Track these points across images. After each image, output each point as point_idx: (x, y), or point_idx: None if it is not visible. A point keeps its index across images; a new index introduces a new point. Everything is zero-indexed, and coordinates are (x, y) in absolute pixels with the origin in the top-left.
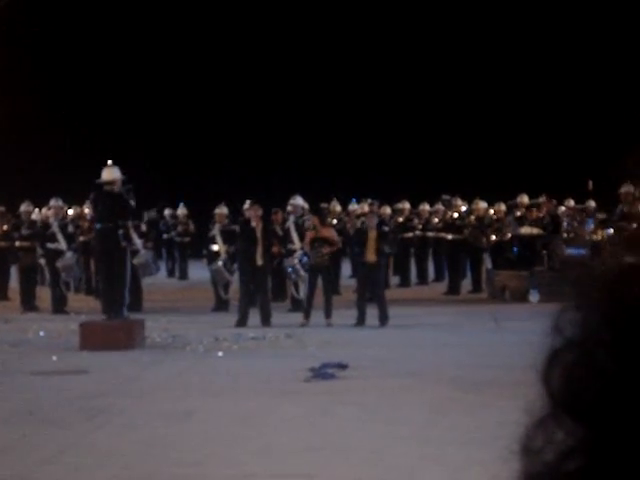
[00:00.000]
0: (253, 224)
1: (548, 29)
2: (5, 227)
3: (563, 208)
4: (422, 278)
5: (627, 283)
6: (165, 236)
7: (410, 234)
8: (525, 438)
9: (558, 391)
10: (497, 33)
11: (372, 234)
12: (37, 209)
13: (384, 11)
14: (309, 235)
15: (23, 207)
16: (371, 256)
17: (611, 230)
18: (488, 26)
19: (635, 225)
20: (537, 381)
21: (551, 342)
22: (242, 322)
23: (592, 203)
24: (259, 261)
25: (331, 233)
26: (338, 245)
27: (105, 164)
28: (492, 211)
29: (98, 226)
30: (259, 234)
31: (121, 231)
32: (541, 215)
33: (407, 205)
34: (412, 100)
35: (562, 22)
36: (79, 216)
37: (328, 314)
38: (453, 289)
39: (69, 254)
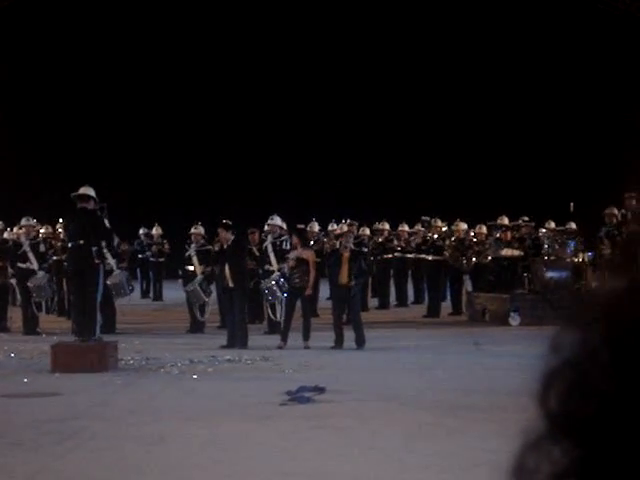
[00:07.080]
0: (224, 246)
1: (531, 54)
2: None
3: (544, 230)
4: (401, 300)
5: (625, 305)
6: (140, 256)
7: (389, 255)
8: (519, 457)
9: (555, 411)
10: (479, 59)
11: (346, 255)
12: (9, 229)
13: (363, 36)
14: (291, 255)
15: None
16: (345, 277)
17: (592, 252)
18: (471, 51)
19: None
20: (533, 400)
21: (548, 362)
22: (238, 342)
23: (573, 225)
24: (230, 283)
25: (309, 256)
26: (312, 273)
27: (77, 182)
28: (472, 233)
29: (70, 244)
30: (227, 256)
31: (95, 248)
32: (520, 237)
33: (386, 226)
34: (393, 121)
35: (545, 47)
36: (52, 235)
37: (306, 336)
38: (433, 311)
39: (41, 274)
